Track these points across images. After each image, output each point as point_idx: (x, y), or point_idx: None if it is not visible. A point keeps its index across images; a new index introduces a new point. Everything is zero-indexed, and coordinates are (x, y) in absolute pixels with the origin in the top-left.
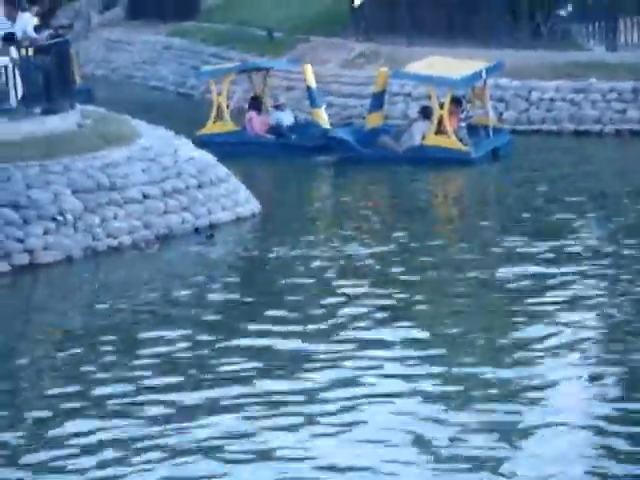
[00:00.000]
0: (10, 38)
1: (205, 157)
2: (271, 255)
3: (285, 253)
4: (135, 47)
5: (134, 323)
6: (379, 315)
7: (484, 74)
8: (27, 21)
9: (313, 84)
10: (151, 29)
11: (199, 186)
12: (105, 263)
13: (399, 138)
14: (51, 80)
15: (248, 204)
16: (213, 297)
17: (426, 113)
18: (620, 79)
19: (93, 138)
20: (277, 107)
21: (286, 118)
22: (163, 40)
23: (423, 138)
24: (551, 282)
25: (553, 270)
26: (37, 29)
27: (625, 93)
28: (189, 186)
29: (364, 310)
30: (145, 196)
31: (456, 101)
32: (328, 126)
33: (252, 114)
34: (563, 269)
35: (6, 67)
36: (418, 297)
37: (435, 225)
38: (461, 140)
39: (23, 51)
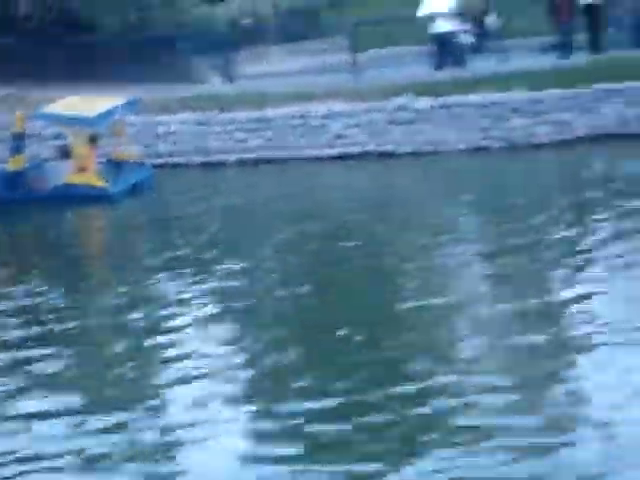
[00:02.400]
0: None
1: None
2: None
3: None
4: None
5: None
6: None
7: (120, 110)
8: None
9: None
10: None
11: None
12: None
13: (41, 178)
14: None
15: None
16: None
17: (64, 152)
18: (237, 110)
19: None
20: None
21: None
22: None
23: (63, 177)
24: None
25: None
26: None
27: (245, 123)
28: None
29: None
30: None
31: (92, 139)
32: None
33: None
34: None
35: None
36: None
37: (66, 269)
38: (99, 177)
39: None
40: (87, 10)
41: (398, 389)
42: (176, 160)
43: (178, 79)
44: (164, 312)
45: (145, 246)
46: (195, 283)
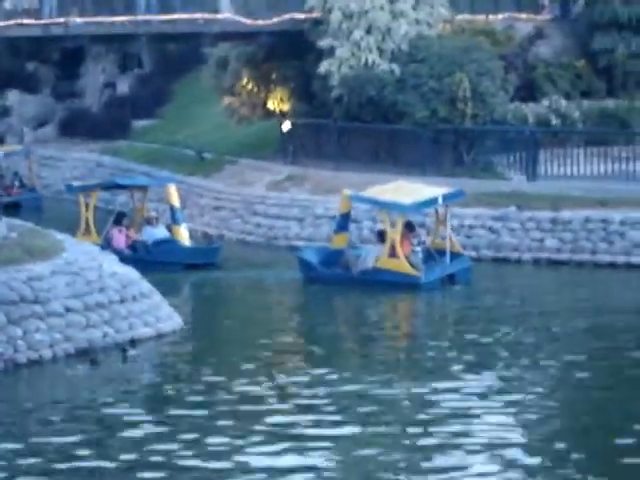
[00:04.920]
0: None
1: (129, 273)
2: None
3: (192, 380)
4: (67, 164)
5: None
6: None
7: (440, 200)
8: None
9: (175, 203)
10: (83, 147)
11: (121, 301)
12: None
13: (355, 260)
14: None
15: (170, 320)
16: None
17: (382, 237)
18: (534, 209)
19: (17, 251)
20: (147, 221)
21: (155, 233)
22: (95, 158)
23: (376, 261)
24: None
25: None
26: None
27: (542, 223)
28: (112, 301)
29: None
30: (67, 309)
31: (409, 226)
32: (187, 243)
33: (113, 230)
34: None
35: None
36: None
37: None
38: (413, 264)
39: None
40: (399, 100)
41: None
42: (467, 253)
43: (478, 173)
44: None
45: (457, 339)
46: None
